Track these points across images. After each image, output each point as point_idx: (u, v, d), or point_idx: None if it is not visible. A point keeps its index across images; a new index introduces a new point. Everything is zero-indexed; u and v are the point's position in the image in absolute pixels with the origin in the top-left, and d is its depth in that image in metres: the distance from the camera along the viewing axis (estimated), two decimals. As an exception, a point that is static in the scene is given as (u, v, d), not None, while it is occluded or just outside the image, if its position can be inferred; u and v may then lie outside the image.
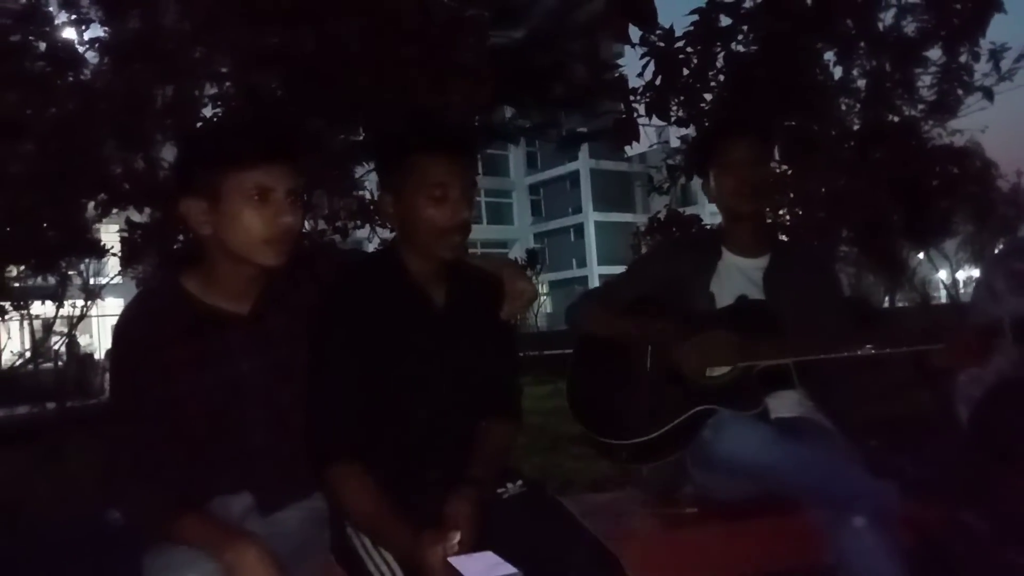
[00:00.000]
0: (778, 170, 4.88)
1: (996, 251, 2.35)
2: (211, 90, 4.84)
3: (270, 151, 1.43)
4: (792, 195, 4.84)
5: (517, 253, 28.01)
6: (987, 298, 2.09)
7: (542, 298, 22.06)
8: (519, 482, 1.54)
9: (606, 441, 2.04)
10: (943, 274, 17.80)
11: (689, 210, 6.25)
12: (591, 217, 32.97)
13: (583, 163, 30.67)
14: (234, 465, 1.48)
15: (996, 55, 4.16)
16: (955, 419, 2.19)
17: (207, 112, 4.71)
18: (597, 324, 2.12)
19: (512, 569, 1.27)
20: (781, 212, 5.22)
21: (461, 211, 1.50)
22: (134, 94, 4.37)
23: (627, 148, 4.47)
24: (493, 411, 1.60)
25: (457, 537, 1.30)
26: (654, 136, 4.78)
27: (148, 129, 4.50)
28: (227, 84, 4.75)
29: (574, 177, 33.07)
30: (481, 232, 32.62)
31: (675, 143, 4.92)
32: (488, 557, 1.31)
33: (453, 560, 1.28)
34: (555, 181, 34.47)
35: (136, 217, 5.09)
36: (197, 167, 1.43)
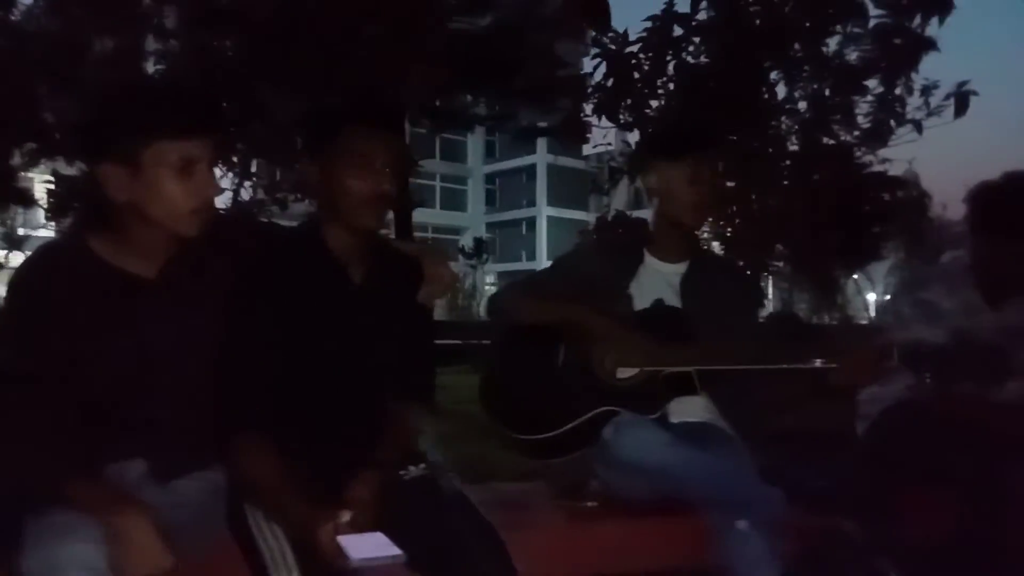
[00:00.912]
0: (720, 183, 5.01)
1: (904, 279, 2.48)
2: (156, 45, 4.67)
3: (197, 122, 1.41)
4: (732, 208, 4.98)
5: (468, 240, 28.03)
6: (893, 323, 2.20)
7: (487, 287, 22.06)
8: (421, 465, 1.56)
9: (512, 435, 2.07)
10: (871, 297, 18.54)
11: (639, 213, 6.32)
12: (544, 211, 33.11)
13: (541, 157, 30.74)
14: (131, 431, 1.46)
15: (927, 91, 4.37)
16: (853, 434, 2.31)
17: (150, 68, 4.54)
18: (516, 316, 2.14)
19: (398, 551, 1.29)
20: (721, 224, 5.36)
21: (383, 181, 1.51)
22: (70, 39, 4.16)
23: (585, 146, 4.52)
24: (403, 393, 1.61)
25: (347, 516, 1.32)
26: (613, 137, 4.86)
27: (83, 79, 4.31)
28: (171, 41, 4.58)
29: (531, 170, 33.12)
30: (433, 217, 32.40)
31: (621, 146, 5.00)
32: (377, 538, 1.33)
33: (342, 539, 1.29)
34: (512, 172, 34.46)
35: (65, 169, 4.88)
36: (118, 133, 1.38)
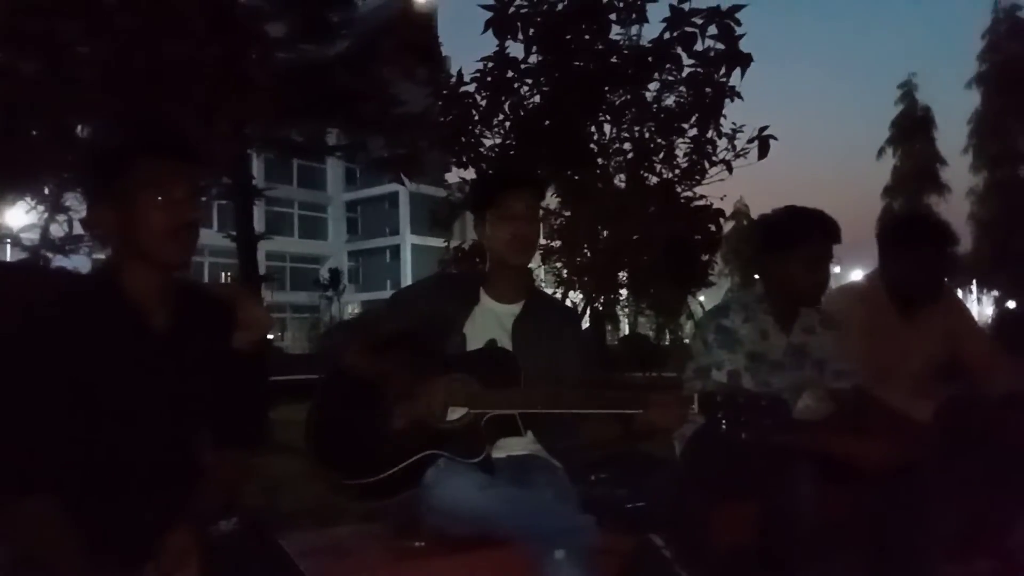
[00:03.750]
0: (557, 218, 5.26)
1: (713, 307, 2.70)
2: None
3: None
4: (572, 240, 5.23)
5: (327, 271, 27.31)
6: (702, 349, 2.38)
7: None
8: (233, 520, 1.52)
9: (337, 479, 2.04)
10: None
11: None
12: (408, 239, 32.96)
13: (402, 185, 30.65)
14: None
15: (732, 135, 4.85)
16: (672, 455, 2.47)
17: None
18: (345, 357, 2.11)
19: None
20: (566, 256, 5.61)
21: (185, 212, 1.46)
22: None
23: (446, 175, 4.56)
24: (221, 441, 1.56)
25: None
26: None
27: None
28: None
29: (393, 198, 32.91)
30: (292, 246, 31.37)
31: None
32: (168, 602, 1.28)
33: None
34: (373, 200, 34.09)
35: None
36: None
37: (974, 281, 22.41)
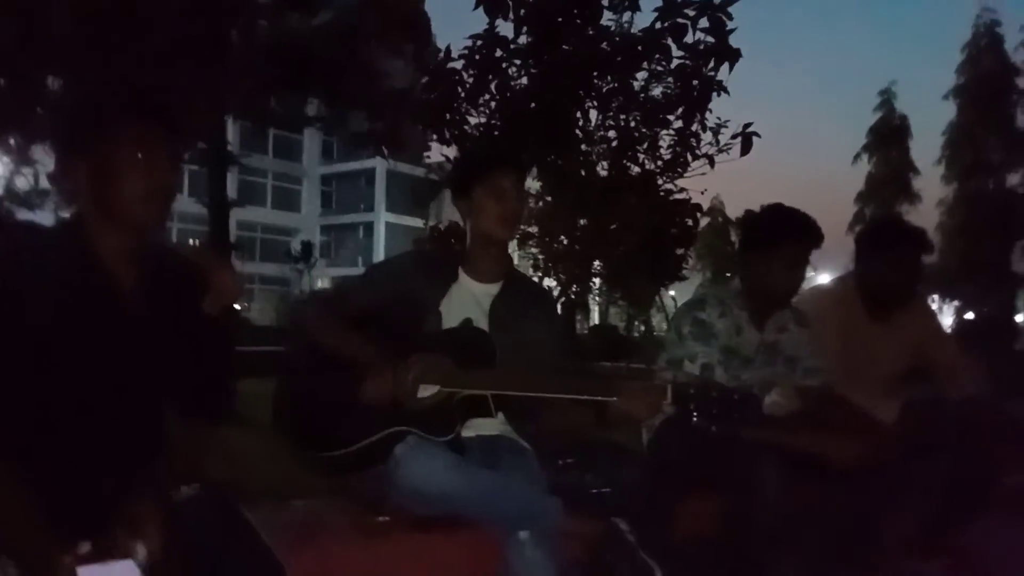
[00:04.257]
0: (539, 203, 5.24)
1: (689, 300, 2.73)
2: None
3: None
4: (550, 226, 5.22)
5: (299, 244, 27.02)
6: (676, 341, 2.39)
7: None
8: (195, 485, 1.48)
9: (303, 452, 2.02)
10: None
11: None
12: (383, 217, 32.68)
13: (380, 162, 30.20)
14: None
15: (716, 130, 4.86)
16: (639, 445, 2.49)
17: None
18: (318, 330, 2.07)
19: (145, 584, 1.22)
20: (542, 242, 5.60)
21: (162, 176, 1.42)
22: None
23: (426, 154, 4.50)
24: (185, 409, 1.52)
25: (86, 548, 1.22)
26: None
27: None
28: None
29: (369, 174, 32.56)
30: (264, 216, 30.90)
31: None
32: (125, 568, 1.25)
33: (83, 571, 1.20)
34: (350, 175, 33.66)
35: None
36: None
37: (937, 290, 22.96)
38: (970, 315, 19.62)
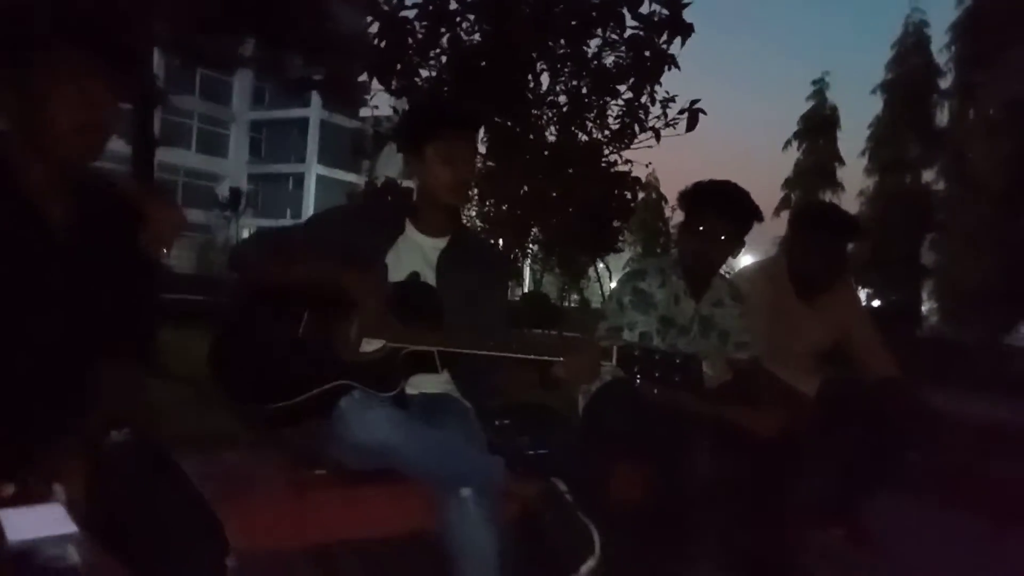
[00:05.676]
0: (484, 165, 5.18)
1: (629, 270, 2.78)
2: None
3: None
4: (491, 190, 5.18)
5: (225, 190, 25.99)
6: (616, 310, 2.43)
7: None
8: (125, 431, 1.42)
9: (241, 403, 1.96)
10: (613, 285, 20.51)
11: (410, 183, 6.26)
12: (314, 169, 31.74)
13: (314, 112, 29.29)
14: None
15: (665, 103, 4.91)
16: (575, 408, 2.53)
17: None
18: (258, 274, 1.99)
19: (71, 529, 1.16)
20: (482, 205, 5.55)
21: (96, 110, 1.34)
22: None
23: (364, 108, 4.33)
24: (113, 352, 1.44)
25: (10, 489, 1.16)
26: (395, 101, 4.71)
27: None
28: None
29: (302, 124, 31.46)
30: (188, 159, 29.49)
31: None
32: (51, 511, 1.19)
33: (5, 512, 1.14)
34: (281, 123, 32.41)
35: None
36: None
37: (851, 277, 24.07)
38: (877, 302, 20.71)
